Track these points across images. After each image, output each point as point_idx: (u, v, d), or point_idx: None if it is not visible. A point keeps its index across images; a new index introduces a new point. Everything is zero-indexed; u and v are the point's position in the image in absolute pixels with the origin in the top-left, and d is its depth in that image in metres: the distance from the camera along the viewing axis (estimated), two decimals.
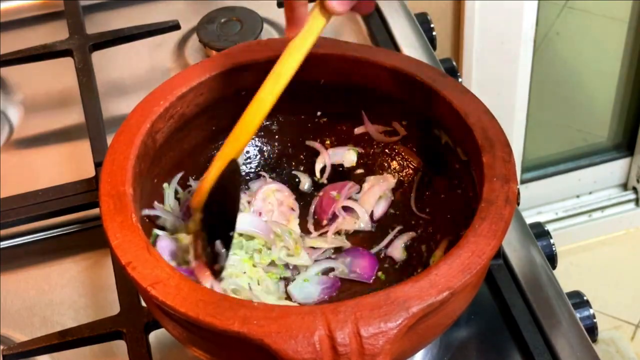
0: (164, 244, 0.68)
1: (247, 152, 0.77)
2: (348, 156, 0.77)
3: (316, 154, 0.78)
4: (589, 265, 1.81)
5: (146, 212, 0.69)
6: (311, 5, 0.63)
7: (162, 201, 0.71)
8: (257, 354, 0.54)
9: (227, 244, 0.65)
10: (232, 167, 0.67)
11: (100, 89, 0.89)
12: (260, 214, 0.73)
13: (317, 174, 0.77)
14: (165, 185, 0.72)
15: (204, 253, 0.65)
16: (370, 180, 0.76)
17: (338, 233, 0.74)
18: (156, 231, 0.69)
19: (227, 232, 0.66)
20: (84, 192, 0.80)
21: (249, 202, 0.74)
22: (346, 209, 0.75)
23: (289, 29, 0.63)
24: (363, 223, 0.74)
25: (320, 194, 0.76)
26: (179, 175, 0.73)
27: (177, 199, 0.72)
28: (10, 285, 0.78)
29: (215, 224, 0.66)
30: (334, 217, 0.75)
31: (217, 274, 0.65)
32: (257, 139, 0.78)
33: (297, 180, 0.77)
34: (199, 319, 0.54)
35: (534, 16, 1.53)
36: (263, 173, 0.77)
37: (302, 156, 0.78)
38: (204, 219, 0.66)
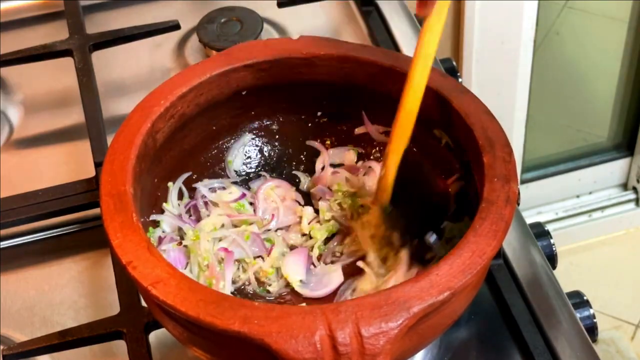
0: (173, 255, 0.68)
1: (248, 152, 0.77)
2: (348, 156, 0.77)
3: (316, 153, 0.78)
4: (589, 265, 1.81)
5: (154, 217, 0.69)
6: None
7: (164, 200, 0.71)
8: (258, 354, 0.54)
9: (440, 233, 0.66)
10: (411, 156, 0.67)
11: (100, 89, 0.89)
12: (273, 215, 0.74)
13: (317, 173, 0.77)
14: (169, 184, 0.72)
15: (405, 246, 0.65)
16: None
17: None
18: (157, 233, 0.69)
19: (436, 221, 0.66)
20: (84, 192, 0.80)
21: (251, 204, 0.74)
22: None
23: (420, 9, 0.63)
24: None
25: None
26: (186, 175, 0.73)
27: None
28: (10, 285, 0.78)
29: (412, 216, 0.67)
30: None
31: (426, 263, 0.66)
32: (257, 139, 0.78)
33: (297, 180, 0.77)
34: (200, 318, 0.54)
35: (534, 16, 1.53)
36: (263, 173, 0.77)
37: (302, 156, 0.78)
38: (392, 214, 0.67)
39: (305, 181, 0.77)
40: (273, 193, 0.75)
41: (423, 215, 0.70)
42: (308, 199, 0.77)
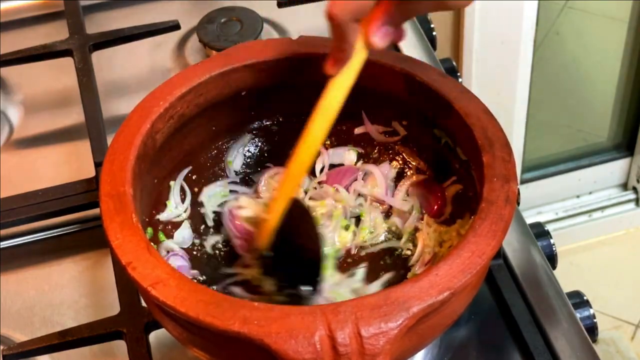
0: (179, 263, 0.69)
1: (248, 152, 0.77)
2: (348, 156, 0.77)
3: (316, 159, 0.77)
4: (589, 265, 1.82)
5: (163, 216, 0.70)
6: None
7: (164, 200, 0.71)
8: (258, 354, 0.54)
9: (315, 287, 0.65)
10: (299, 207, 0.67)
11: (100, 89, 0.89)
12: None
13: (317, 173, 0.77)
14: (171, 182, 0.72)
15: (278, 294, 0.65)
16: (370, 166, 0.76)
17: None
18: (168, 243, 0.70)
19: (311, 275, 0.65)
20: (84, 192, 0.80)
21: (256, 192, 0.74)
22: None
23: (330, 66, 0.63)
24: (382, 189, 0.74)
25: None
26: (186, 171, 0.73)
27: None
28: (10, 285, 0.78)
29: (288, 266, 0.66)
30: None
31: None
32: (257, 138, 0.78)
33: None
34: (199, 319, 0.54)
35: (534, 16, 1.53)
36: (268, 164, 0.77)
37: None
38: (272, 261, 0.66)
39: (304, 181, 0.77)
40: (273, 181, 0.75)
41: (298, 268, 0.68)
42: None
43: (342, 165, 0.77)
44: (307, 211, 0.69)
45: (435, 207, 0.71)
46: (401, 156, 0.76)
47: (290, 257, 0.66)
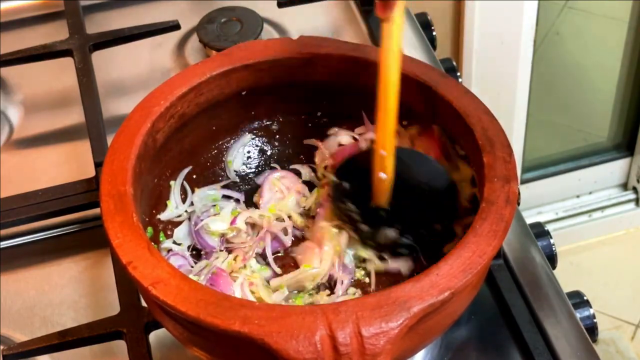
0: (180, 263, 0.69)
1: (248, 152, 0.77)
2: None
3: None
4: (589, 265, 1.82)
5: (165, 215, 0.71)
6: None
7: (165, 200, 0.71)
8: (258, 354, 0.54)
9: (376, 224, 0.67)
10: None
11: (100, 89, 0.88)
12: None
13: (318, 169, 0.76)
14: (172, 182, 0.72)
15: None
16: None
17: None
18: (169, 243, 0.70)
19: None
20: (84, 192, 0.80)
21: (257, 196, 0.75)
22: None
23: (380, 10, 0.64)
24: None
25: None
26: (186, 170, 0.73)
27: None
28: (10, 285, 0.78)
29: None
30: None
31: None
32: (257, 138, 0.78)
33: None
34: (200, 318, 0.54)
35: (534, 16, 1.53)
36: (274, 165, 0.77)
37: (302, 156, 0.78)
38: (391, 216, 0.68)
39: (305, 172, 0.77)
40: (278, 183, 0.75)
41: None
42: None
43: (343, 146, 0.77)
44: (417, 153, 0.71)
45: None
46: None
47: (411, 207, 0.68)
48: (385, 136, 0.67)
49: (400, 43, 0.65)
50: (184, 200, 0.73)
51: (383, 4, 0.63)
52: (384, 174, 0.68)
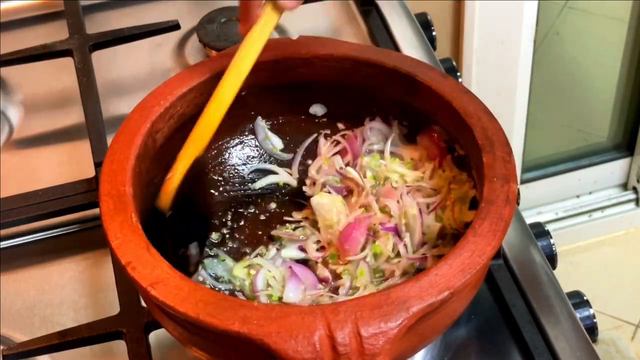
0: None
1: (248, 152, 0.77)
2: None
3: (316, 154, 0.77)
4: (589, 265, 1.82)
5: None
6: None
7: None
8: (257, 354, 0.54)
9: (202, 247, 0.66)
10: (200, 167, 0.68)
11: (100, 89, 0.89)
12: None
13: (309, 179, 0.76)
14: None
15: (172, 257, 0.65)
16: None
17: None
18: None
19: (202, 234, 0.67)
20: (84, 192, 0.80)
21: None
22: None
23: (242, 26, 0.65)
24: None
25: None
26: None
27: None
28: (10, 285, 0.78)
29: (186, 225, 0.67)
30: None
31: (190, 275, 0.66)
32: (257, 139, 0.78)
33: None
34: (199, 318, 0.54)
35: (534, 16, 1.53)
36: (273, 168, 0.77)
37: (301, 157, 0.78)
38: (171, 221, 0.66)
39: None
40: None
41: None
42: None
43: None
44: (205, 171, 0.71)
45: None
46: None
47: (186, 216, 0.68)
48: (189, 141, 0.67)
49: (250, 62, 0.65)
50: None
51: (244, 22, 0.65)
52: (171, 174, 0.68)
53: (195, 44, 0.98)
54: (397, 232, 0.69)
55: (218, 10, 0.97)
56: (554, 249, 0.79)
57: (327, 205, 0.70)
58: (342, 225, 0.69)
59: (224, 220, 0.74)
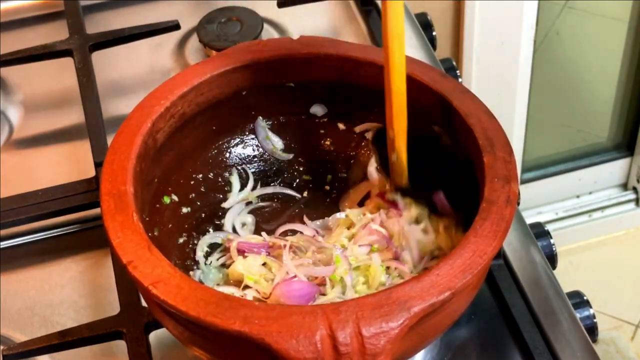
0: None
1: (248, 152, 0.77)
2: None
3: (316, 155, 0.77)
4: (589, 265, 1.82)
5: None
6: None
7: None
8: (258, 354, 0.54)
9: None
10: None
11: (100, 89, 0.89)
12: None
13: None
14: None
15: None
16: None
17: None
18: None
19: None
20: (84, 192, 0.80)
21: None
22: None
23: None
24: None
25: None
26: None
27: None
28: (10, 285, 0.78)
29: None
30: None
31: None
32: (257, 139, 0.78)
33: (298, 182, 0.77)
34: (200, 318, 0.54)
35: (534, 16, 1.54)
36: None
37: (301, 157, 0.78)
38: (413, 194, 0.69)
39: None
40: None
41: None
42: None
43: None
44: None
45: None
46: None
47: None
48: (393, 118, 0.67)
49: (401, 23, 0.64)
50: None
51: None
52: (395, 155, 0.68)
53: (195, 44, 0.98)
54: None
55: (218, 10, 0.97)
56: (554, 249, 0.79)
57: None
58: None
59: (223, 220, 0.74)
